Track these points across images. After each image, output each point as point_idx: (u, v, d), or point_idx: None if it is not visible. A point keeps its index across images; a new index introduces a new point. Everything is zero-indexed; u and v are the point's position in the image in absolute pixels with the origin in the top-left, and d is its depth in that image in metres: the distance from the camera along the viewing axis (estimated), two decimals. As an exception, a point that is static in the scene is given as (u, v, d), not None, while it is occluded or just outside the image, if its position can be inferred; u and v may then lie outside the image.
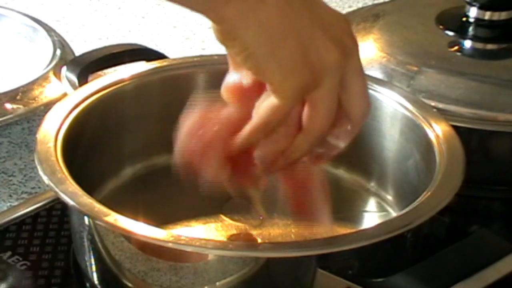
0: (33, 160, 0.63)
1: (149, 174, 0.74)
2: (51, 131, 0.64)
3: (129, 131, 0.73)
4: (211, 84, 0.76)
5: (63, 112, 0.67)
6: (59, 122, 0.66)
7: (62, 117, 0.66)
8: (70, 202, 0.57)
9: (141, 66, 0.75)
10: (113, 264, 0.59)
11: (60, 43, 0.93)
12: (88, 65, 0.79)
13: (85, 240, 0.61)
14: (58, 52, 0.91)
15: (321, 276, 0.55)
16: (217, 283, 0.56)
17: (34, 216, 0.73)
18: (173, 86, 0.75)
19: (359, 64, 0.56)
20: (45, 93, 0.85)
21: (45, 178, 0.59)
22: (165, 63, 0.76)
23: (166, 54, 0.86)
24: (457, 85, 0.76)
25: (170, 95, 0.75)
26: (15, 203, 0.76)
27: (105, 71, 0.80)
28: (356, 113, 0.56)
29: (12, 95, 0.83)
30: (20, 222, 0.73)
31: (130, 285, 0.59)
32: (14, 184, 0.79)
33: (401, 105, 0.70)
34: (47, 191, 0.75)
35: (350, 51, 0.55)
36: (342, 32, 0.55)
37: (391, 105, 0.71)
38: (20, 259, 0.69)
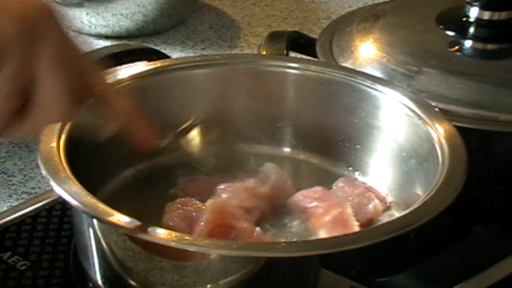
0: (33, 160, 0.64)
1: (150, 174, 0.73)
2: (53, 131, 0.64)
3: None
4: (211, 84, 0.76)
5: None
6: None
7: (64, 117, 0.66)
8: (74, 202, 0.57)
9: (141, 66, 0.75)
10: (116, 263, 0.59)
11: (60, 43, 0.93)
12: (88, 65, 0.79)
13: (88, 239, 0.60)
14: (58, 52, 0.91)
15: (325, 276, 0.55)
16: (220, 282, 0.56)
17: (34, 216, 0.73)
18: (173, 86, 0.75)
19: (56, 54, 0.48)
20: (45, 93, 0.85)
21: (48, 178, 0.59)
22: (165, 63, 0.76)
23: (166, 54, 0.86)
24: (457, 85, 0.76)
25: (170, 95, 0.75)
26: (15, 203, 0.76)
27: (105, 71, 0.80)
28: (42, 117, 0.50)
29: (12, 95, 0.83)
30: (20, 222, 0.73)
31: (132, 284, 0.59)
32: (14, 184, 0.79)
33: (403, 104, 0.70)
34: (47, 191, 0.75)
35: (40, 35, 0.47)
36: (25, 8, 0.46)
37: (393, 105, 0.71)
38: (20, 259, 0.68)
